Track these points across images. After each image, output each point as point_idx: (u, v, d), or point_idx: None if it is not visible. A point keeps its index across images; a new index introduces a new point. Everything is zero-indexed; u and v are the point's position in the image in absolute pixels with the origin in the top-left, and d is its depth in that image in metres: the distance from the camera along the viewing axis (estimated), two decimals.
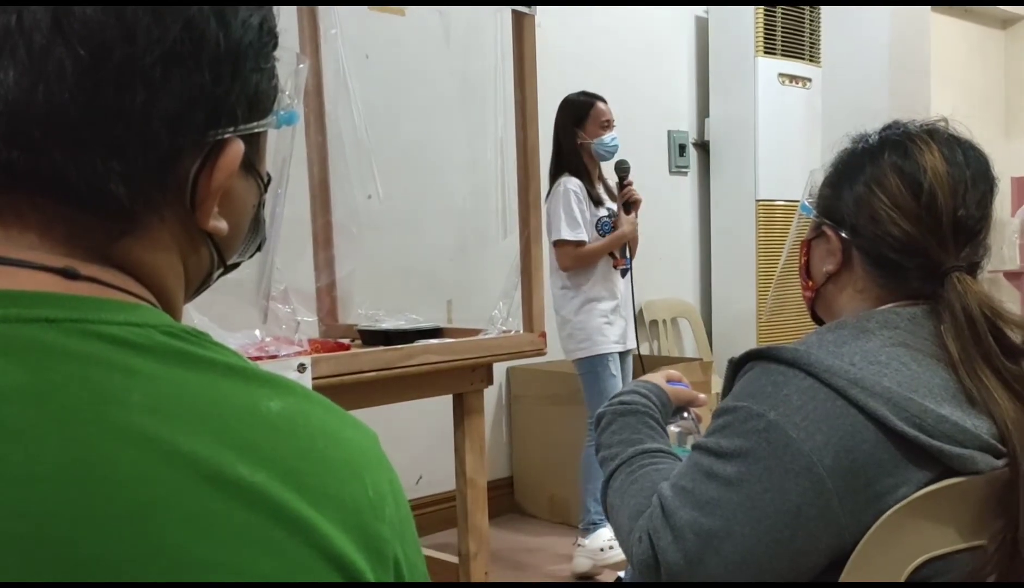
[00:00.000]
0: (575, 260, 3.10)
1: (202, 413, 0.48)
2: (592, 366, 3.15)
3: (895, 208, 1.04)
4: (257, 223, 0.65)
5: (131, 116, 0.51)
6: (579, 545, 3.19)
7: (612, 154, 3.18)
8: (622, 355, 3.23)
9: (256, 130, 0.58)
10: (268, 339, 1.89)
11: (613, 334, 3.16)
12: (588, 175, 3.17)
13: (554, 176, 3.16)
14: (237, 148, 0.56)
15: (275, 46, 0.59)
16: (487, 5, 2.16)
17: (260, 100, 0.58)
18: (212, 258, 0.61)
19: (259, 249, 0.67)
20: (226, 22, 0.54)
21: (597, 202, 3.16)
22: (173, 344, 0.51)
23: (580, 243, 3.08)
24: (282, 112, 0.60)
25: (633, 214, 3.16)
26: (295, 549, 0.47)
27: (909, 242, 1.04)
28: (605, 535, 3.12)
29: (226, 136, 0.55)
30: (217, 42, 0.53)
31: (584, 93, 3.21)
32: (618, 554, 3.04)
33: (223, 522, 0.46)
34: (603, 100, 3.19)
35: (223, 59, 0.54)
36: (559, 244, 3.08)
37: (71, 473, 0.44)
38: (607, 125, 3.15)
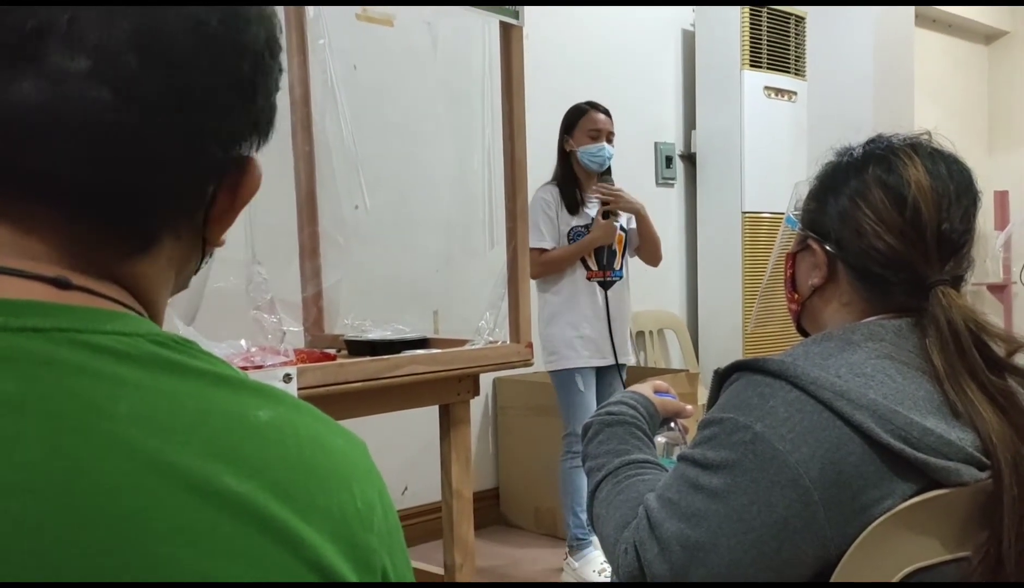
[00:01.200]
0: (538, 267, 3.04)
1: (190, 423, 0.48)
2: (560, 380, 3.12)
3: (879, 222, 1.05)
4: None
5: (201, 140, 0.54)
6: (568, 564, 3.16)
7: (599, 165, 3.10)
8: (603, 370, 3.14)
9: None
10: (254, 349, 1.88)
11: (584, 348, 3.09)
12: (576, 183, 3.12)
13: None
14: (259, 167, 0.59)
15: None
16: (478, 6, 2.16)
17: (272, 123, 0.61)
18: (198, 266, 0.62)
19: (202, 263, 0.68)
20: (276, 56, 0.58)
21: (573, 210, 3.10)
22: (161, 353, 0.50)
23: (541, 250, 3.05)
24: None
25: (612, 219, 3.08)
26: (282, 560, 0.47)
27: (893, 256, 1.04)
28: (597, 560, 3.08)
29: (248, 154, 0.58)
30: (270, 72, 0.57)
31: (588, 102, 3.16)
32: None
33: (210, 533, 0.45)
34: (602, 110, 3.12)
35: (271, 88, 0.58)
36: None
37: (57, 483, 0.44)
38: (595, 135, 3.08)
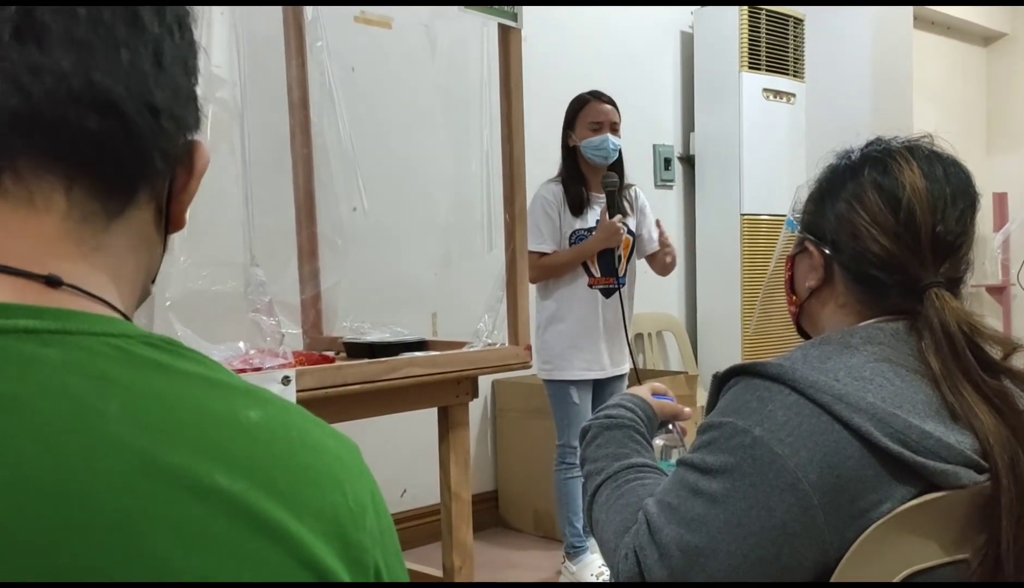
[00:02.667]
0: (537, 271, 2.90)
1: (181, 422, 0.48)
2: (554, 391, 3.01)
3: (874, 224, 1.05)
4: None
5: (181, 91, 0.59)
6: (566, 567, 3.14)
7: (603, 157, 2.93)
8: (600, 382, 3.03)
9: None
10: (252, 351, 1.88)
11: (580, 360, 2.96)
12: (582, 181, 2.97)
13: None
14: (206, 148, 0.61)
15: None
16: (476, 6, 2.15)
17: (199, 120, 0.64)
18: (158, 265, 0.64)
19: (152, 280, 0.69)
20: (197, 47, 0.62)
21: (577, 211, 2.94)
22: (151, 354, 0.51)
23: (541, 253, 2.90)
24: None
25: (618, 219, 2.90)
26: (274, 558, 0.47)
27: (888, 258, 1.05)
28: (595, 564, 3.04)
29: (192, 138, 0.61)
30: (197, 56, 0.62)
31: (591, 92, 3.00)
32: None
33: (202, 531, 0.46)
34: (605, 100, 2.96)
35: (197, 74, 0.62)
36: None
37: (48, 483, 0.44)
38: (597, 127, 2.91)
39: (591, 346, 2.98)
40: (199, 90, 0.62)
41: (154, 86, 0.56)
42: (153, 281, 0.65)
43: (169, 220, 0.62)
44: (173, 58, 0.58)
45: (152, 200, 0.59)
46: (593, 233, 2.95)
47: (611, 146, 2.93)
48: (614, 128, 2.96)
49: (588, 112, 2.95)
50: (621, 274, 3.01)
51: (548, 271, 2.95)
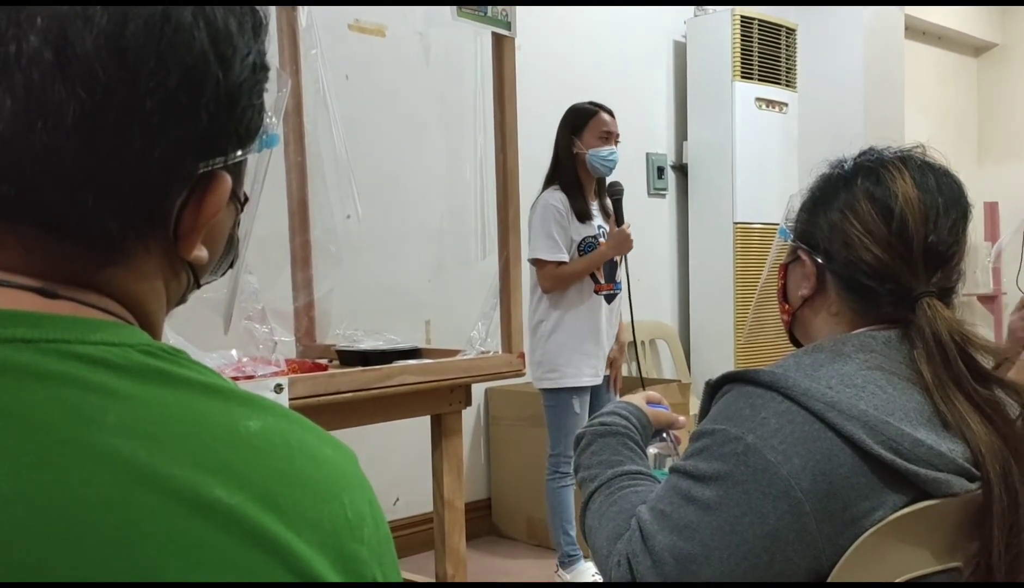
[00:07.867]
0: (555, 281, 2.94)
1: (179, 433, 0.48)
2: (556, 399, 3.00)
3: (867, 234, 1.05)
4: (231, 242, 0.65)
5: (128, 159, 0.50)
6: (560, 575, 3.13)
7: (609, 169, 2.99)
8: (598, 389, 3.06)
9: (239, 159, 0.58)
10: (245, 359, 1.88)
11: (585, 366, 2.98)
12: (581, 188, 3.00)
13: (546, 186, 3.02)
14: (226, 185, 0.56)
15: (267, 79, 0.58)
16: (472, 6, 2.15)
17: (250, 133, 0.57)
18: (189, 280, 0.61)
19: (231, 266, 0.67)
20: (228, 64, 0.53)
21: (583, 218, 2.97)
22: (150, 363, 0.50)
23: (560, 263, 2.93)
24: (264, 136, 0.60)
25: (627, 226, 2.95)
26: (271, 572, 0.47)
27: (881, 268, 1.05)
28: (589, 571, 3.04)
29: (214, 168, 0.55)
30: (217, 83, 0.53)
31: (592, 102, 3.06)
32: None
33: (198, 545, 0.45)
34: (610, 112, 3.02)
35: (221, 101, 0.53)
36: (537, 264, 2.94)
37: (44, 495, 0.43)
38: (607, 137, 2.97)
39: (597, 352, 3.02)
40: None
41: (148, 157, 0.50)
42: (188, 292, 0.62)
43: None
44: (152, 104, 0.49)
45: (155, 243, 0.55)
46: (598, 240, 2.99)
47: (616, 158, 3.02)
48: (617, 140, 3.03)
49: (598, 122, 3.00)
50: (619, 280, 3.08)
51: (565, 280, 2.97)
